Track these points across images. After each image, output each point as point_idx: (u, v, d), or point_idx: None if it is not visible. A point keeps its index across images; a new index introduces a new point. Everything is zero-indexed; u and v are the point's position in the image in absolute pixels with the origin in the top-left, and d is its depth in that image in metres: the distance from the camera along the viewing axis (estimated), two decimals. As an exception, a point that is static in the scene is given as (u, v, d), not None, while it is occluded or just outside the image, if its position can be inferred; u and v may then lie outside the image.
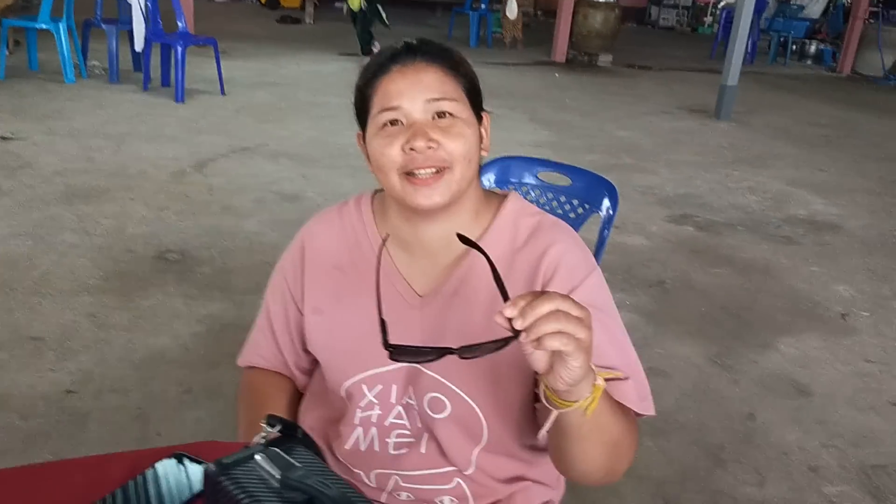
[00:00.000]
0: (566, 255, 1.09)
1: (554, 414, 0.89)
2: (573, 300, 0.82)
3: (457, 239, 0.92)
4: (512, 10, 10.74)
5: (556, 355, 0.83)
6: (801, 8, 13.53)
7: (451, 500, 1.14)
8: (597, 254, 1.81)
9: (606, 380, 0.92)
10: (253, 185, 4.55)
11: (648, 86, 9.45)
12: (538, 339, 0.79)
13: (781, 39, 12.82)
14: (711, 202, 5.09)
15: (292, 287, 1.19)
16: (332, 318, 1.15)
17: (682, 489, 2.30)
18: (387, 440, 1.13)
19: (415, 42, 1.08)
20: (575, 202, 1.89)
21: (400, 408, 1.12)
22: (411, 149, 1.02)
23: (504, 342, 0.81)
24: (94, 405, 2.41)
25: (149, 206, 4.07)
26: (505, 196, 1.17)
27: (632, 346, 1.11)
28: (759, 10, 11.04)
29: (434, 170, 1.03)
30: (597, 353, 1.01)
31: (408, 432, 1.13)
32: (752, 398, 2.82)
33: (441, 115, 1.04)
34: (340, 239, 1.17)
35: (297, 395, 1.28)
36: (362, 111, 1.10)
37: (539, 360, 0.84)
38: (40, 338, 2.76)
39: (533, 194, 1.92)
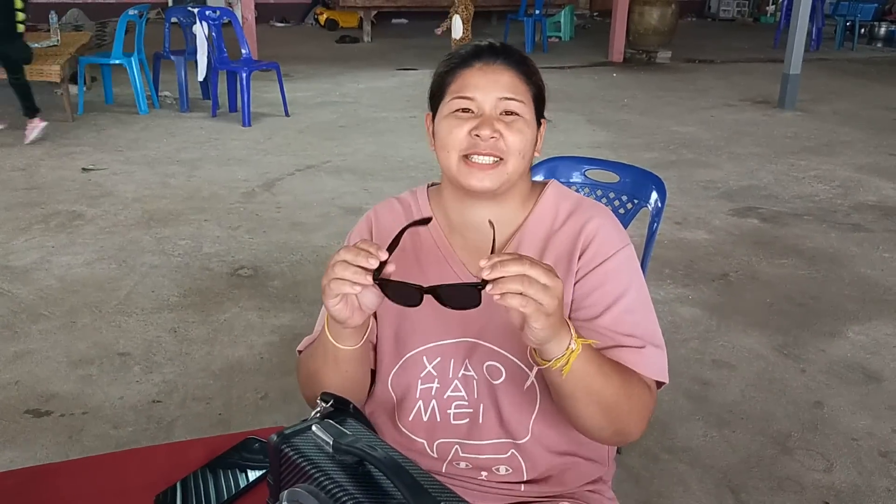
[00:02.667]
0: (601, 229, 1.19)
1: (534, 370, 1.02)
2: (546, 268, 0.91)
3: (504, 221, 1.08)
4: (457, 30, 8.69)
5: (524, 315, 0.92)
6: (868, -11, 13.12)
7: (507, 469, 1.22)
8: (647, 248, 1.86)
9: (585, 344, 1.00)
10: (318, 201, 4.71)
11: (709, 80, 9.33)
12: (502, 295, 0.89)
13: (848, 23, 12.45)
14: (776, 193, 5.01)
15: None
16: None
17: (748, 477, 2.31)
18: (448, 411, 1.21)
19: (498, 45, 1.21)
20: (624, 198, 1.93)
21: (457, 381, 1.20)
22: (477, 135, 1.14)
23: (472, 287, 0.91)
24: (178, 413, 2.57)
25: (222, 226, 4.27)
26: (545, 184, 1.28)
27: (655, 318, 1.19)
28: (822, -5, 10.77)
29: (492, 159, 1.15)
30: (622, 315, 1.14)
31: (466, 403, 1.21)
32: (819, 386, 2.80)
33: (508, 112, 1.16)
34: (401, 221, 1.27)
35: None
36: (437, 94, 1.22)
37: (513, 316, 0.94)
38: (127, 353, 2.95)
39: (581, 193, 1.98)
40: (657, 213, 1.88)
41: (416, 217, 1.24)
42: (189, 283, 3.56)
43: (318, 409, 0.83)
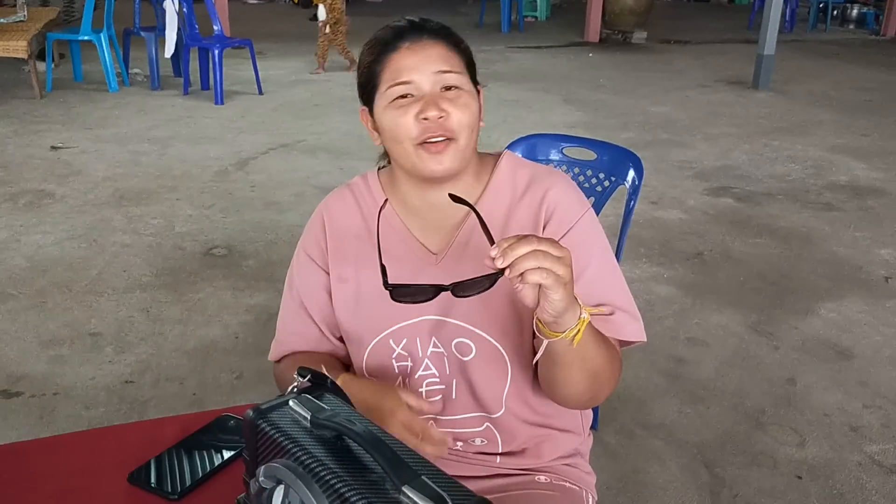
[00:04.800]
0: (562, 196, 1.19)
1: (545, 343, 1.01)
2: (553, 241, 0.93)
3: (463, 196, 1.03)
4: (322, 15, 7.81)
5: (540, 290, 0.93)
6: (841, -29, 13.20)
7: (482, 441, 1.22)
8: (624, 225, 1.86)
9: (593, 314, 1.02)
10: (293, 180, 4.66)
11: (684, 60, 9.35)
12: (521, 275, 0.90)
13: (821, 5, 12.53)
14: (750, 173, 5.05)
15: (320, 261, 1.26)
16: (356, 283, 1.23)
17: (722, 452, 2.33)
18: (419, 390, 1.20)
19: (417, 20, 1.17)
20: (601, 175, 1.93)
21: (427, 360, 1.19)
22: (424, 118, 1.11)
23: (492, 278, 0.93)
24: (152, 393, 2.54)
25: (194, 205, 4.21)
26: (499, 155, 1.26)
27: (623, 280, 1.21)
28: (796, -23, 10.82)
29: (444, 138, 1.12)
30: (589, 286, 1.13)
31: (437, 380, 1.20)
32: (792, 363, 2.83)
33: (448, 88, 1.13)
34: (355, 211, 1.26)
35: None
36: (368, 86, 1.18)
37: (527, 295, 0.94)
38: (98, 333, 2.90)
39: (560, 170, 1.97)
40: (634, 191, 1.88)
41: (374, 208, 1.23)
42: (161, 262, 3.51)
43: (295, 384, 0.81)
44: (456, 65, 1.15)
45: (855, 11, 12.81)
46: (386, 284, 0.96)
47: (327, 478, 0.69)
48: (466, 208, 1.16)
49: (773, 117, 6.57)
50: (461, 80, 1.14)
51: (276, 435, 0.74)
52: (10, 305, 3.09)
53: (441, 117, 1.11)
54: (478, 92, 1.20)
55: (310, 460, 0.71)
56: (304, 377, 0.81)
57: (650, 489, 2.18)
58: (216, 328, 2.95)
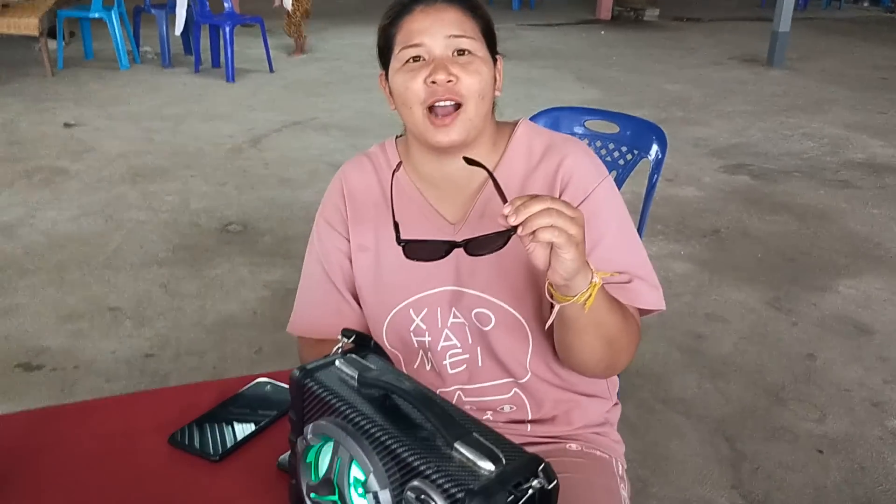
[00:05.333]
0: (578, 165, 1.17)
1: (556, 308, 1.00)
2: (565, 202, 0.92)
3: (479, 169, 1.01)
4: (287, 2, 7.22)
5: (552, 252, 0.92)
6: (856, -53, 13.03)
7: (511, 407, 1.22)
8: (647, 199, 1.84)
9: (605, 279, 1.01)
10: (306, 158, 4.65)
11: (697, 38, 9.26)
12: (533, 233, 0.89)
13: (836, -18, 12.39)
14: (766, 150, 5.01)
15: (340, 229, 1.25)
16: (376, 253, 1.22)
17: (743, 427, 2.33)
18: (443, 363, 1.20)
19: None
20: (623, 149, 1.91)
21: (447, 331, 1.19)
22: (433, 82, 1.09)
23: (504, 235, 0.91)
24: (172, 367, 2.55)
25: (209, 182, 4.21)
26: (515, 123, 1.24)
27: (642, 248, 1.19)
28: (810, -47, 10.70)
29: (452, 103, 1.10)
30: (608, 254, 1.12)
31: (460, 351, 1.20)
32: (811, 339, 2.82)
33: (461, 52, 1.11)
34: (373, 179, 1.25)
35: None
36: (385, 50, 1.17)
37: (538, 256, 0.93)
38: (118, 308, 2.92)
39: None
40: (657, 165, 1.86)
41: (387, 170, 1.22)
42: (178, 238, 3.51)
43: (340, 344, 0.81)
44: (470, 30, 1.12)
45: (870, -12, 12.67)
46: (398, 240, 0.95)
47: (377, 434, 0.69)
48: (483, 177, 1.16)
49: (788, 95, 6.51)
50: (474, 45, 1.12)
51: (324, 394, 0.74)
52: (29, 280, 3.10)
53: (450, 81, 1.09)
54: (495, 60, 1.17)
55: (359, 417, 0.71)
56: (348, 338, 0.81)
57: (670, 463, 2.19)
58: (234, 303, 2.96)
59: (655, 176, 1.87)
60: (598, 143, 1.94)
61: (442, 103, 1.10)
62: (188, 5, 6.65)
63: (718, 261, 3.44)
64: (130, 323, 2.82)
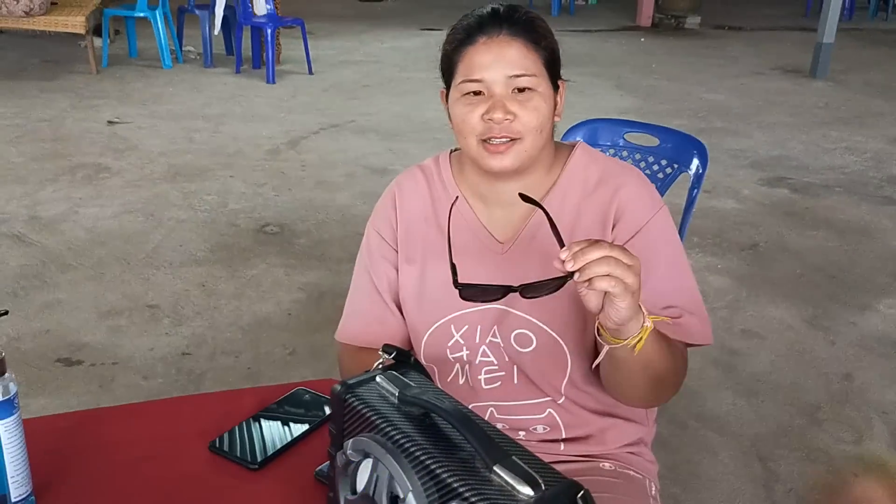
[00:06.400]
0: (634, 195, 1.17)
1: (605, 349, 1.00)
2: (624, 249, 0.91)
3: (529, 190, 1.03)
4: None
5: (606, 296, 0.92)
6: (905, -42, 12.75)
7: (545, 428, 1.22)
8: (686, 214, 1.83)
9: (657, 322, 1.01)
10: (343, 161, 4.69)
11: (739, 47, 9.14)
12: (589, 281, 0.89)
13: (882, -8, 12.13)
14: (807, 164, 4.94)
15: (390, 239, 1.27)
16: (422, 267, 1.23)
17: (777, 446, 2.30)
18: (479, 377, 1.21)
19: (501, 10, 1.14)
20: (663, 162, 1.90)
21: (484, 346, 1.20)
22: (490, 119, 1.10)
23: (560, 281, 0.91)
24: (208, 366, 2.59)
25: (247, 183, 4.26)
26: (573, 146, 1.24)
27: (693, 282, 1.19)
28: (857, -37, 10.50)
29: (508, 139, 1.11)
30: (659, 287, 1.11)
31: (496, 367, 1.20)
32: (849, 359, 2.77)
33: (521, 90, 1.11)
34: (425, 194, 1.26)
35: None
36: (447, 72, 1.18)
37: (591, 300, 0.93)
38: (156, 305, 2.96)
39: (621, 156, 1.95)
40: (697, 180, 1.85)
41: (443, 194, 1.24)
42: (216, 238, 3.56)
43: (380, 360, 0.82)
44: (532, 66, 1.12)
45: (918, 0, 12.39)
46: (456, 283, 0.95)
47: (417, 453, 0.70)
48: (542, 197, 1.17)
49: (830, 107, 6.40)
50: (535, 81, 1.12)
51: (365, 409, 0.75)
52: (70, 276, 3.17)
53: (507, 119, 1.10)
54: (557, 87, 1.17)
55: (399, 435, 0.72)
56: (389, 354, 0.82)
57: (702, 480, 2.16)
58: (269, 304, 2.99)
59: (696, 190, 1.86)
60: (638, 156, 1.93)
61: (496, 140, 1.11)
62: (231, 6, 6.73)
63: (756, 275, 3.39)
64: (168, 321, 2.86)
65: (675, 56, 8.46)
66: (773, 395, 2.55)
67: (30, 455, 0.87)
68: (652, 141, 1.90)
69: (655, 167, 1.90)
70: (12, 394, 0.84)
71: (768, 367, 2.70)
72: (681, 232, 1.82)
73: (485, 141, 1.12)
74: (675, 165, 1.88)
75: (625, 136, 1.96)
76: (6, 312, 0.98)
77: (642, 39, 9.51)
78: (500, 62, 1.10)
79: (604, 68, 7.53)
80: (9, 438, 0.84)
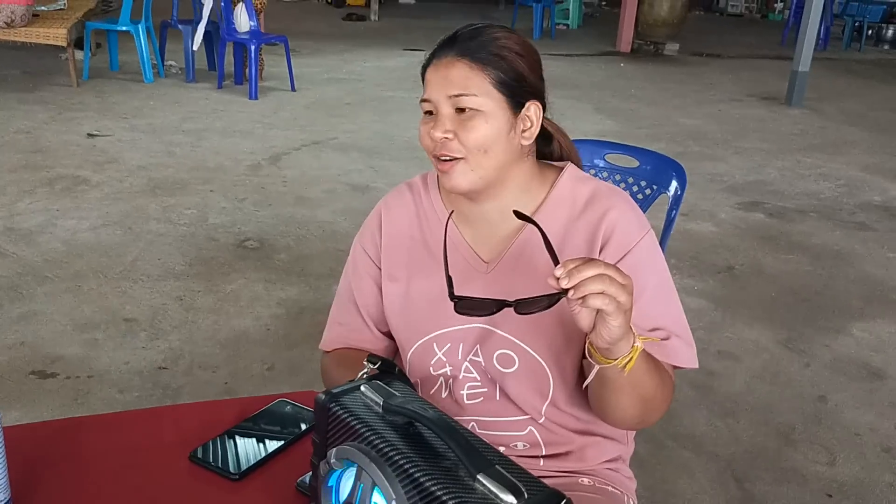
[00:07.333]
0: (622, 218, 1.17)
1: (595, 368, 1.00)
2: (617, 268, 0.92)
3: (513, 210, 1.02)
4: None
5: (598, 315, 0.93)
6: (878, -9, 13.07)
7: (525, 445, 1.22)
8: (664, 234, 1.85)
9: (646, 342, 1.02)
10: (324, 177, 4.69)
11: (716, 74, 9.30)
12: (583, 298, 0.90)
13: (856, 24, 12.42)
14: (782, 189, 5.02)
15: (373, 256, 1.28)
16: (406, 284, 1.24)
17: (752, 467, 2.32)
18: (461, 392, 1.21)
19: (460, 32, 1.16)
20: (643, 183, 1.92)
21: (467, 363, 1.20)
22: (432, 137, 1.13)
23: (554, 298, 0.92)
24: (185, 380, 2.57)
25: (227, 198, 4.25)
26: (561, 168, 1.24)
27: (679, 305, 1.20)
28: (832, -6, 10.74)
29: (449, 157, 1.13)
30: (646, 309, 1.12)
31: (479, 383, 1.21)
32: (823, 381, 2.81)
33: (461, 110, 1.12)
34: (412, 212, 1.27)
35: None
36: None
37: (584, 318, 0.94)
38: (133, 319, 2.94)
39: (601, 176, 1.97)
40: (676, 201, 1.87)
41: (430, 212, 1.25)
42: (195, 252, 3.55)
43: (365, 370, 0.82)
44: (475, 86, 1.11)
45: (891, 31, 12.71)
46: (451, 296, 0.95)
47: (401, 462, 0.70)
48: (519, 223, 1.17)
49: (806, 134, 6.52)
50: (477, 101, 1.11)
51: (349, 418, 0.75)
52: (47, 288, 3.13)
53: (445, 138, 1.12)
54: (519, 108, 1.14)
55: (383, 444, 0.72)
56: (374, 364, 0.82)
57: (679, 500, 2.18)
58: (248, 319, 2.98)
59: (674, 212, 1.88)
60: (618, 177, 1.95)
61: (442, 157, 1.13)
62: (214, 22, 6.74)
63: (732, 298, 3.43)
64: (145, 335, 2.84)
65: (653, 81, 8.58)
66: (749, 415, 2.57)
67: (8, 463, 0.86)
68: (632, 162, 1.92)
69: (635, 188, 1.93)
70: None
71: (744, 388, 2.72)
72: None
73: (437, 158, 1.14)
74: (655, 187, 1.91)
75: (605, 156, 1.98)
76: None
77: (622, 65, 9.64)
78: (442, 82, 1.12)
79: (584, 92, 7.62)
80: None
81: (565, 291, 0.90)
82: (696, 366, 1.19)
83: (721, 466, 2.31)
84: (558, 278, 0.90)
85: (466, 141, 1.11)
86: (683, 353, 1.17)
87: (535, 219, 1.18)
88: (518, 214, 1.02)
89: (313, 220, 4.00)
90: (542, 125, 1.21)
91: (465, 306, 0.98)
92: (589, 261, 0.91)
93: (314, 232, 3.85)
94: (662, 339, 1.14)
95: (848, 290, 3.59)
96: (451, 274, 0.96)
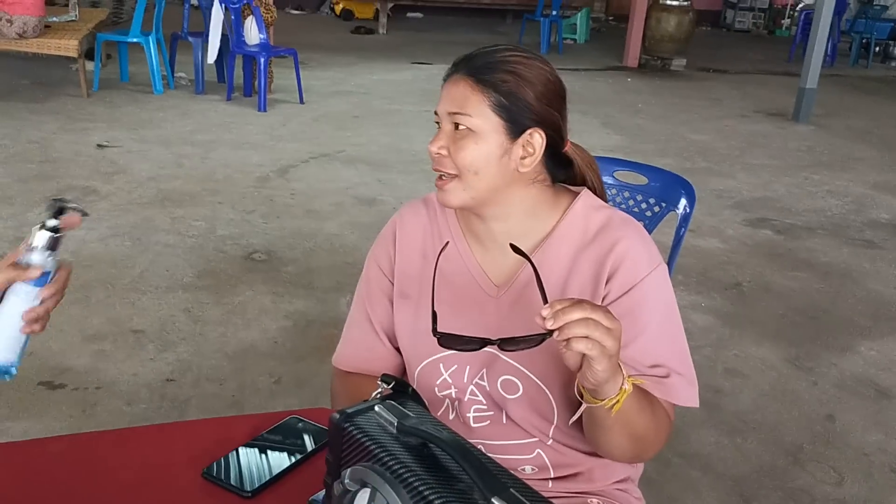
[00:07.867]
0: (631, 251, 1.15)
1: (582, 407, 1.01)
2: (607, 311, 0.92)
3: (521, 234, 1.06)
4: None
5: (584, 357, 0.93)
6: (885, 8, 13.06)
7: (533, 469, 1.22)
8: (673, 252, 1.85)
9: (636, 384, 1.02)
10: (332, 190, 4.71)
11: (723, 89, 9.31)
12: (567, 341, 0.90)
13: (863, 41, 12.42)
14: (790, 206, 5.01)
15: (387, 271, 1.28)
16: (416, 304, 1.24)
17: (759, 486, 2.31)
18: (468, 415, 1.21)
19: (475, 53, 1.17)
20: (651, 201, 1.93)
21: (472, 386, 1.21)
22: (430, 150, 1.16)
23: (540, 338, 0.93)
24: (192, 392, 2.57)
25: (236, 210, 4.27)
26: (577, 193, 1.23)
27: (684, 343, 1.18)
28: (839, 12, 10.74)
29: (443, 173, 1.15)
30: (648, 346, 1.12)
31: (485, 407, 1.21)
32: (831, 400, 2.80)
33: (457, 126, 1.13)
34: (425, 228, 1.28)
35: None
36: None
37: (570, 359, 0.95)
38: (141, 330, 2.95)
39: (609, 193, 1.97)
40: (685, 219, 1.87)
41: (444, 230, 1.25)
42: (203, 264, 3.56)
43: (379, 390, 0.83)
44: (472, 106, 1.11)
45: (898, 48, 12.69)
46: (434, 332, 0.97)
47: (415, 484, 0.71)
48: (530, 243, 1.17)
49: (813, 151, 6.52)
50: (473, 122, 1.11)
51: (363, 438, 0.76)
52: (56, 298, 3.14)
53: (438, 154, 1.13)
54: (519, 134, 1.12)
55: (397, 465, 0.73)
56: (388, 384, 0.83)
57: (686, 518, 2.17)
58: (255, 332, 2.98)
59: (683, 229, 1.88)
60: (626, 194, 1.95)
61: (438, 172, 1.16)
62: (224, 35, 6.78)
63: (739, 315, 3.43)
64: (153, 346, 2.85)
65: (660, 97, 8.59)
66: (757, 434, 2.56)
67: (20, 478, 0.87)
68: (640, 180, 1.93)
69: (644, 205, 1.93)
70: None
71: (751, 407, 2.72)
72: (668, 270, 1.84)
73: (437, 173, 1.17)
74: (664, 204, 1.91)
75: (614, 174, 1.99)
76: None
77: (629, 79, 9.66)
78: (446, 99, 1.14)
79: (591, 106, 7.63)
80: None
81: (552, 332, 0.90)
82: (697, 405, 1.17)
83: (728, 485, 2.30)
84: (545, 319, 0.90)
85: (458, 160, 1.12)
86: (683, 392, 1.16)
87: (543, 245, 1.18)
88: (514, 248, 1.01)
89: (321, 233, 4.01)
90: (565, 153, 1.21)
91: (449, 342, 0.98)
92: (577, 303, 0.90)
93: (322, 245, 3.86)
94: (662, 377, 1.13)
95: (855, 308, 3.58)
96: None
